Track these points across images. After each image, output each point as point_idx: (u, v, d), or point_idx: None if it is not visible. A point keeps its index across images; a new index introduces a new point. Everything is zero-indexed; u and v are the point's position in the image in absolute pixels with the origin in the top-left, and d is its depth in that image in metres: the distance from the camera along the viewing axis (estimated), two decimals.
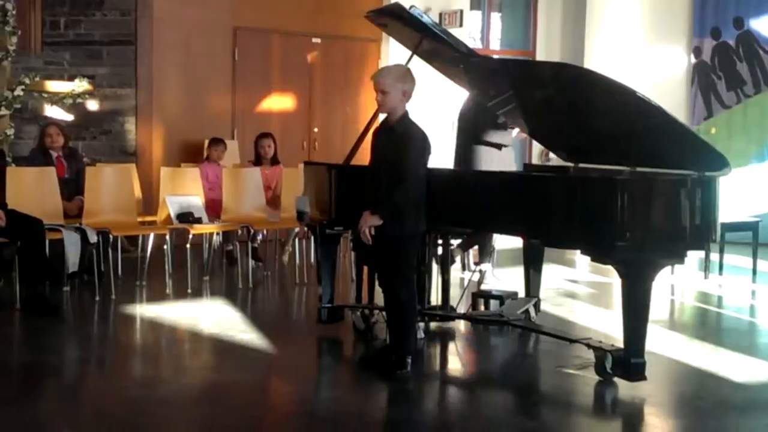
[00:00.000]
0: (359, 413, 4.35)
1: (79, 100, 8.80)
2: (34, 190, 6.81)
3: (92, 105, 9.19)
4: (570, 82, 5.38)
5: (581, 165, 6.11)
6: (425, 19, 5.58)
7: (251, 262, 7.76)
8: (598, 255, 4.69)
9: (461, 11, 10.99)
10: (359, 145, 5.79)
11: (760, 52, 11.20)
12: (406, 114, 4.95)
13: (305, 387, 4.87)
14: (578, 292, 7.53)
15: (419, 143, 4.87)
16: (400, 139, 4.86)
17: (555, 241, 4.91)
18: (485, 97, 6.46)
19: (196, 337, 5.75)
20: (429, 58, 6.02)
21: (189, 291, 7.09)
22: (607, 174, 5.70)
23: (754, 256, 8.52)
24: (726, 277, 8.30)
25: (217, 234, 8.03)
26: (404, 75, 4.98)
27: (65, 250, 6.50)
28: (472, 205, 5.32)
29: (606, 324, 6.19)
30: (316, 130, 10.56)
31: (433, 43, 5.66)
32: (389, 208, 4.81)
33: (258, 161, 8.74)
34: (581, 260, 8.44)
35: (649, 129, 5.07)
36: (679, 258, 4.69)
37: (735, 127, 11.38)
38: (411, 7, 5.52)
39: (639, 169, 5.41)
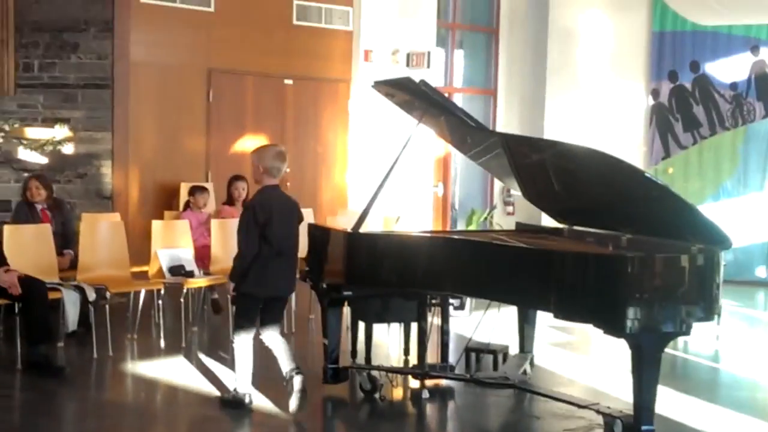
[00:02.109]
0: None
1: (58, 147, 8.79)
2: (29, 248, 6.80)
3: (68, 148, 9.12)
4: (567, 154, 5.66)
5: (575, 227, 6.37)
6: (434, 93, 5.77)
7: (233, 309, 7.82)
8: (610, 329, 4.89)
9: (429, 53, 11.21)
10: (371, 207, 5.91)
11: (715, 95, 11.69)
12: (263, 188, 5.63)
13: None
14: (560, 340, 7.79)
15: (247, 213, 5.60)
16: None
17: (566, 315, 5.08)
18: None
19: (206, 401, 5.81)
20: (422, 117, 6.17)
21: (183, 345, 7.16)
22: (605, 239, 5.96)
23: None
24: None
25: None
26: (259, 152, 5.70)
27: (64, 309, 6.51)
28: (470, 275, 5.46)
29: (596, 374, 6.48)
30: (288, 169, 10.62)
31: (439, 114, 5.89)
32: (233, 272, 5.62)
33: (230, 202, 8.83)
34: None
35: (651, 199, 5.30)
36: (687, 331, 4.92)
37: (691, 167, 11.83)
38: (421, 81, 5.69)
39: (637, 236, 5.69)
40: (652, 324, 4.78)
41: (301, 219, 5.83)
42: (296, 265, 5.84)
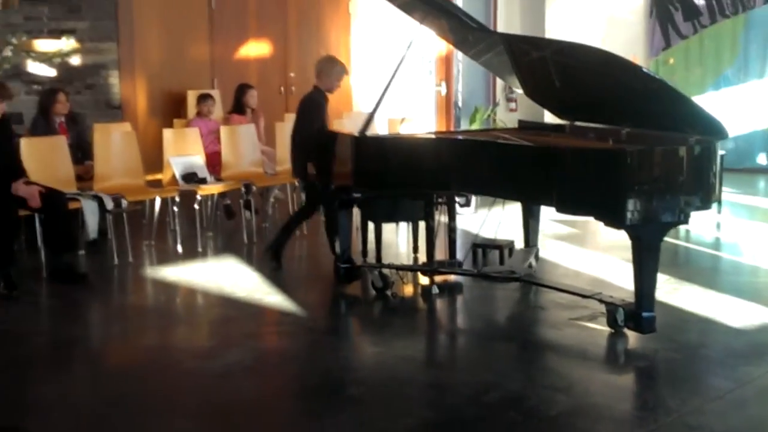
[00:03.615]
0: (398, 375, 4.73)
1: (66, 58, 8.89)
2: (46, 160, 6.99)
3: (74, 60, 9.22)
4: (567, 51, 5.78)
5: (577, 123, 6.52)
6: None
7: (246, 214, 8.09)
8: (610, 222, 5.10)
9: None
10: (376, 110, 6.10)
11: None
12: None
13: (347, 352, 5.29)
14: (563, 233, 8.02)
15: None
16: None
17: (568, 209, 5.27)
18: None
19: (226, 302, 6.05)
20: (423, 20, 6.27)
21: (199, 250, 7.41)
22: (605, 133, 6.12)
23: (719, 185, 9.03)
24: None
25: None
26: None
27: (85, 219, 6.74)
28: (476, 174, 5.67)
29: (599, 265, 6.77)
30: (292, 74, 10.76)
31: (439, 15, 5.99)
32: None
33: (241, 110, 8.97)
34: None
35: (649, 92, 5.44)
36: (685, 220, 5.12)
37: (692, 57, 11.88)
38: None
39: (637, 129, 5.84)
40: (652, 215, 4.96)
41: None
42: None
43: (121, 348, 5.37)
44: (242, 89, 9.04)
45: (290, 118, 8.89)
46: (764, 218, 9.10)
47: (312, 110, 6.59)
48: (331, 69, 6.70)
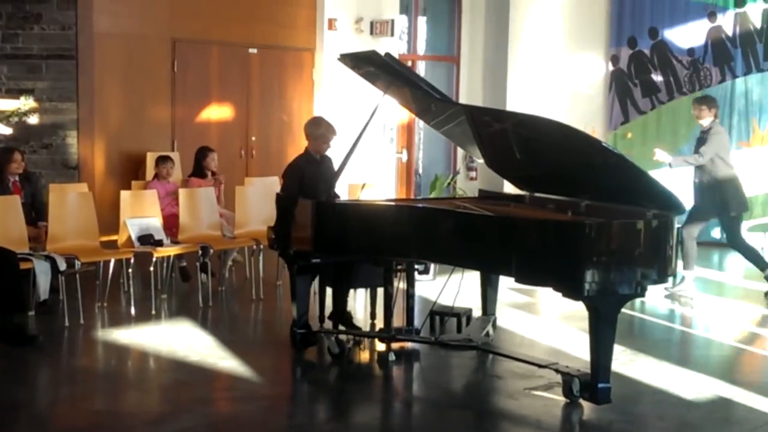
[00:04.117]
0: None
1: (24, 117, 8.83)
2: None
3: (32, 119, 9.12)
4: (528, 124, 5.85)
5: (537, 194, 6.56)
6: (399, 66, 5.91)
7: (202, 276, 8.00)
8: (568, 293, 5.11)
9: (392, 21, 11.31)
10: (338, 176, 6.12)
11: (673, 61, 11.90)
12: None
13: (301, 419, 5.23)
14: (521, 302, 8.02)
15: None
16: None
17: (527, 279, 5.28)
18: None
19: (179, 366, 5.96)
20: (387, 89, 6.33)
21: (153, 312, 7.29)
22: (564, 205, 6.16)
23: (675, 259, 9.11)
24: None
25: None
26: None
27: (36, 279, 6.61)
28: (436, 242, 5.71)
29: (555, 335, 6.79)
30: (253, 138, 10.77)
31: (403, 84, 6.05)
32: None
33: (201, 173, 8.93)
34: None
35: (608, 166, 5.51)
36: (642, 293, 5.16)
37: (649, 132, 12.07)
38: (386, 54, 5.83)
39: (595, 202, 5.89)
40: (609, 287, 5.00)
41: None
42: None
43: (70, 412, 5.24)
44: (203, 152, 9.01)
45: (250, 182, 9.00)
46: (718, 292, 9.19)
47: (290, 174, 6.56)
48: (316, 131, 6.67)
